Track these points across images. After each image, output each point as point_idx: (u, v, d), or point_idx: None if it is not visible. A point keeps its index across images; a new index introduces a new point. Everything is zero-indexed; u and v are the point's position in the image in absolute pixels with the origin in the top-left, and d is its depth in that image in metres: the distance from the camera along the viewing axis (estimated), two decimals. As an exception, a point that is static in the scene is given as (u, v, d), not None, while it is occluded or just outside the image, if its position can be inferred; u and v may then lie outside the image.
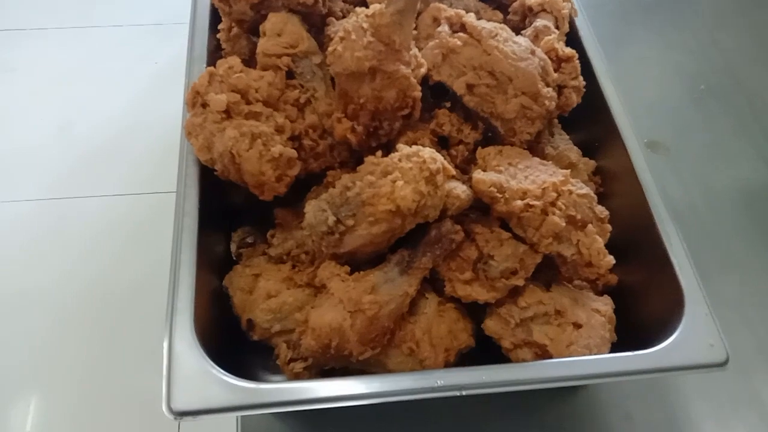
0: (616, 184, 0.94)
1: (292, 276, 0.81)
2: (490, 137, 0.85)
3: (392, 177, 0.68)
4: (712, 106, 1.33)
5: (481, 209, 0.78)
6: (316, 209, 0.71)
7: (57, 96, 1.28)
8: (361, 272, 0.73)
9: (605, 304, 0.84)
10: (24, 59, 1.38)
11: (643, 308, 0.82)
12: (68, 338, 0.90)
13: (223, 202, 0.88)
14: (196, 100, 0.83)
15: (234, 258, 0.89)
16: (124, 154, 1.20)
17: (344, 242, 0.71)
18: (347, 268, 0.74)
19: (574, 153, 0.96)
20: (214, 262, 0.86)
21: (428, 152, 0.71)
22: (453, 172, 0.75)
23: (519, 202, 0.72)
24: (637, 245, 0.83)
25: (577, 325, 0.75)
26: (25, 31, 1.48)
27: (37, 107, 1.28)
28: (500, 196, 0.76)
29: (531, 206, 0.72)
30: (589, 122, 0.96)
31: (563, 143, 0.95)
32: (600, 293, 0.82)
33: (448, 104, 0.85)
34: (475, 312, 0.78)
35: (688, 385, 0.95)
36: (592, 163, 0.94)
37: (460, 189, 0.76)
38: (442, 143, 0.85)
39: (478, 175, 0.76)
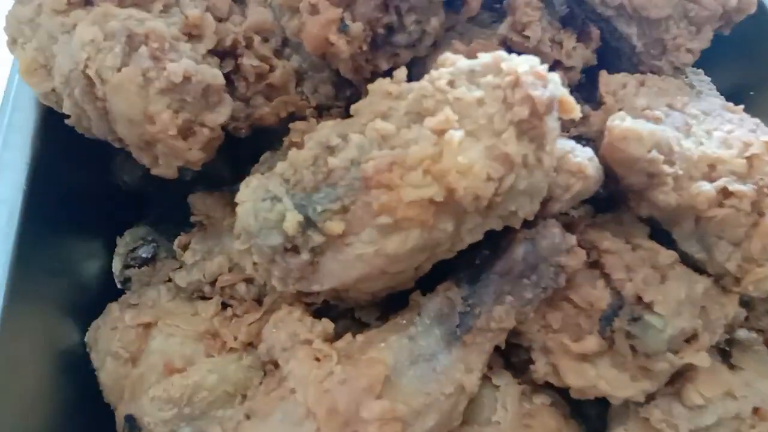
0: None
1: (218, 328, 0.50)
2: (605, 57, 0.54)
3: (437, 122, 0.33)
4: None
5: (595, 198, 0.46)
6: (258, 195, 0.37)
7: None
8: (359, 336, 0.40)
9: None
10: None
11: None
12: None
13: (94, 178, 0.58)
14: (24, -28, 0.49)
15: (118, 286, 0.57)
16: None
17: (321, 272, 0.37)
18: (328, 327, 0.39)
19: (719, 104, 0.63)
20: (65, 298, 0.52)
21: (525, 62, 0.32)
22: (577, 111, 0.33)
23: (707, 188, 0.38)
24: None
25: (787, 434, 0.46)
26: None
27: None
28: (670, 171, 0.35)
29: (732, 195, 0.39)
30: (737, 59, 0.71)
31: (704, 87, 0.67)
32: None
33: (533, -9, 0.53)
34: (580, 403, 0.47)
35: None
36: (746, 121, 0.64)
37: (581, 154, 0.35)
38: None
39: (622, 122, 0.35)
